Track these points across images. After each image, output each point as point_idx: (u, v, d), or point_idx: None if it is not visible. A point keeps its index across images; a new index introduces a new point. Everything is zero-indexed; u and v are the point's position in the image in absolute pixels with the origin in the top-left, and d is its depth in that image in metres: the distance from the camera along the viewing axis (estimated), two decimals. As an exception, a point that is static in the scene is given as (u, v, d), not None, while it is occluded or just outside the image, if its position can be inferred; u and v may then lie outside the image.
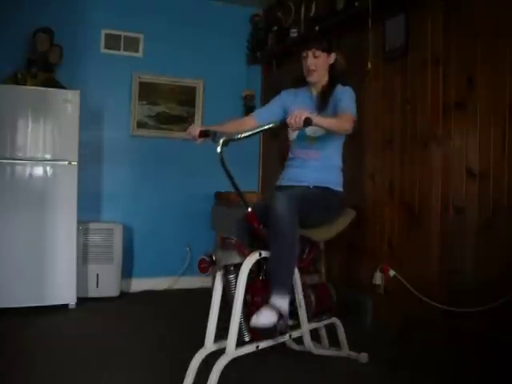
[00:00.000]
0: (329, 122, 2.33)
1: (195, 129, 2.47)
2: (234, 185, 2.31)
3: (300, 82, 2.72)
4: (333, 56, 2.63)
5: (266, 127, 2.31)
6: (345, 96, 2.50)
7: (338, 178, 2.62)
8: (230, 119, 2.71)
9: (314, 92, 2.66)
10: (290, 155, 2.70)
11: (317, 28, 3.76)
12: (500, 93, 2.58)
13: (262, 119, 2.62)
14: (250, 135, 2.31)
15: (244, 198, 2.33)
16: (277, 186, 2.68)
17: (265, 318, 2.14)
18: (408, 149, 3.19)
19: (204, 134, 2.43)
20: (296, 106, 2.57)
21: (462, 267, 2.78)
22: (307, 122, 2.13)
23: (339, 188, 2.61)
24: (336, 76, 2.63)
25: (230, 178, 2.28)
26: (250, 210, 2.33)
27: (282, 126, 2.24)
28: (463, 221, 2.79)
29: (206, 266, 2.16)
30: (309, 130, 2.50)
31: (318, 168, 2.55)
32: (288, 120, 2.16)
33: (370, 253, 3.46)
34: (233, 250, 2.22)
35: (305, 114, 2.14)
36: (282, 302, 2.21)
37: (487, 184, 2.65)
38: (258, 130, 2.33)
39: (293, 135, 2.64)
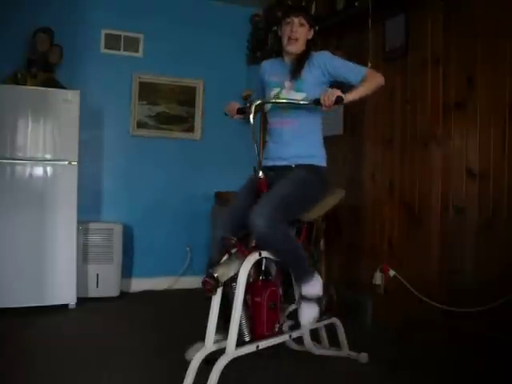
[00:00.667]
0: (362, 91, 2.34)
1: (233, 105, 2.55)
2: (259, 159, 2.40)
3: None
4: (312, 31, 2.52)
5: (300, 102, 2.36)
6: (336, 61, 2.46)
7: (321, 151, 2.52)
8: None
9: (288, 60, 2.54)
10: (268, 128, 2.60)
11: (317, 27, 3.75)
12: (500, 93, 2.58)
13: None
14: (282, 102, 2.41)
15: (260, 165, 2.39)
16: (262, 166, 2.52)
17: (309, 313, 2.29)
18: (408, 149, 3.19)
19: (240, 111, 2.51)
20: (272, 75, 2.57)
21: (462, 267, 2.78)
22: (339, 100, 2.19)
23: (323, 163, 2.51)
24: (311, 48, 2.52)
25: (258, 150, 2.38)
26: (261, 174, 2.36)
27: (316, 104, 2.27)
28: (463, 221, 2.79)
29: (211, 288, 2.11)
30: (287, 95, 2.45)
31: (297, 139, 2.45)
32: (321, 98, 2.21)
33: (369, 253, 3.46)
34: (231, 260, 2.18)
35: (336, 93, 2.17)
36: (311, 288, 2.32)
37: (487, 184, 2.65)
38: (292, 100, 2.39)
39: (267, 106, 2.54)
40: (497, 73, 2.61)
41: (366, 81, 2.37)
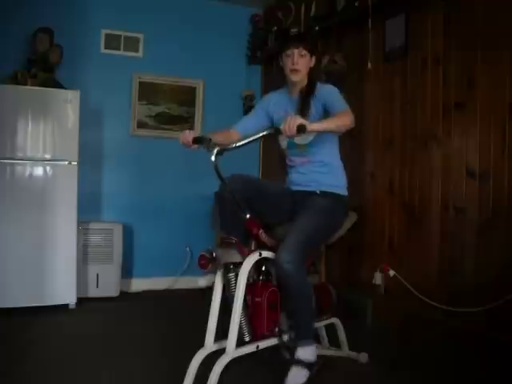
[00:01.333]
0: (326, 124, 2.23)
1: (188, 135, 2.36)
2: (229, 189, 2.28)
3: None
4: (313, 59, 2.53)
5: (259, 135, 2.22)
6: (332, 96, 2.42)
7: (343, 181, 2.55)
8: (218, 129, 2.61)
9: (294, 94, 2.55)
10: (288, 162, 2.64)
11: (316, 28, 3.77)
12: (500, 93, 2.58)
13: (244, 128, 2.56)
14: (243, 144, 2.24)
15: (241, 204, 2.29)
16: (286, 187, 2.61)
17: (296, 378, 2.21)
18: (408, 149, 3.19)
19: (197, 140, 2.32)
20: (277, 110, 2.56)
21: (461, 267, 2.78)
22: (300, 128, 2.04)
23: (345, 192, 2.54)
24: (314, 79, 2.54)
25: (224, 182, 2.26)
26: (248, 216, 2.29)
27: (276, 133, 2.16)
28: (463, 221, 2.79)
29: (206, 262, 2.15)
30: (297, 139, 2.43)
31: (320, 171, 2.49)
32: (282, 127, 2.09)
33: (370, 253, 3.46)
34: (233, 248, 2.21)
35: (298, 121, 2.05)
36: (307, 352, 2.25)
37: (487, 184, 2.65)
38: (251, 138, 2.24)
39: (283, 144, 2.58)
40: (497, 73, 2.60)
41: (335, 117, 2.29)
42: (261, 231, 2.30)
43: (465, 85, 2.78)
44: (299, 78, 2.49)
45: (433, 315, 2.88)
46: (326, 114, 2.39)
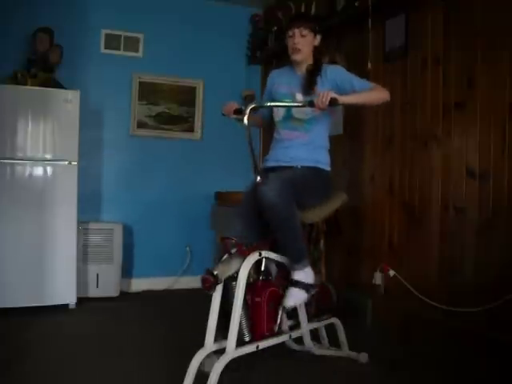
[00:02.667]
0: (359, 97, 2.35)
1: (231, 106, 2.52)
2: (254, 160, 2.34)
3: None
4: (318, 38, 2.57)
5: (292, 104, 2.41)
6: (345, 75, 2.49)
7: (326, 158, 2.58)
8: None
9: (299, 72, 2.59)
10: (276, 136, 2.65)
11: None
12: (500, 93, 2.58)
13: (264, 114, 2.74)
14: (276, 105, 2.48)
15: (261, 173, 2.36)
16: (263, 168, 2.60)
17: (293, 299, 2.26)
18: (408, 149, 3.19)
19: (238, 111, 2.49)
20: (282, 85, 2.60)
21: (461, 267, 2.78)
22: (333, 101, 2.18)
23: (327, 167, 2.56)
24: (320, 58, 2.58)
25: (252, 151, 2.33)
26: (259, 179, 2.32)
27: (310, 106, 2.27)
28: (463, 221, 2.79)
29: (211, 285, 2.12)
30: (297, 113, 2.48)
31: (305, 148, 2.51)
32: (315, 100, 2.21)
33: (369, 253, 3.46)
34: (231, 258, 2.19)
35: (331, 94, 2.17)
36: (303, 273, 2.30)
37: (487, 184, 2.65)
38: (286, 104, 2.44)
39: (279, 116, 2.59)
40: (497, 73, 2.60)
41: (367, 90, 2.39)
42: None
43: (465, 85, 2.78)
44: (300, 58, 2.54)
45: (433, 315, 2.88)
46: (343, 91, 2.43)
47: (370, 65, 3.35)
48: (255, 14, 4.82)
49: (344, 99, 2.28)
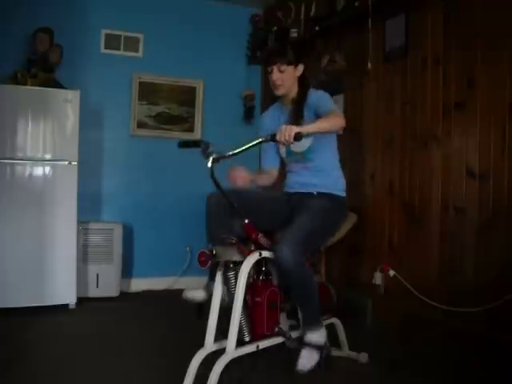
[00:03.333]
0: (319, 125, 2.24)
1: (240, 172, 2.46)
2: (226, 196, 2.26)
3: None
4: (300, 68, 2.51)
5: (254, 142, 2.22)
6: (322, 100, 2.43)
7: (340, 183, 2.57)
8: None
9: (286, 106, 2.57)
10: (286, 168, 2.67)
11: (317, 28, 3.76)
12: (500, 93, 2.58)
13: (273, 162, 2.68)
14: (239, 152, 2.23)
15: (239, 211, 2.28)
16: (284, 192, 2.63)
17: (308, 361, 2.23)
18: (408, 149, 3.19)
19: (187, 143, 2.48)
20: (273, 124, 2.52)
21: (461, 267, 2.78)
22: (297, 136, 2.06)
23: (342, 193, 2.56)
24: (306, 86, 2.54)
25: (221, 190, 2.24)
26: (246, 221, 2.28)
27: (272, 140, 2.17)
28: (463, 221, 2.79)
29: (206, 259, 2.15)
30: (294, 147, 2.43)
31: (317, 175, 2.51)
32: (277, 138, 2.11)
33: (370, 253, 3.46)
34: (233, 248, 2.21)
35: (293, 130, 2.07)
36: (316, 336, 2.28)
37: (487, 184, 2.65)
38: (246, 146, 2.23)
39: (282, 152, 2.60)
40: (497, 73, 2.60)
41: (327, 118, 2.29)
42: (260, 235, 2.29)
43: (465, 85, 2.78)
44: (282, 92, 2.52)
45: (433, 315, 2.88)
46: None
47: (369, 65, 3.35)
48: (255, 14, 4.82)
49: (306, 129, 2.17)
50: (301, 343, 2.29)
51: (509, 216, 2.53)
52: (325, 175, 2.52)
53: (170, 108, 4.65)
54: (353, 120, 3.65)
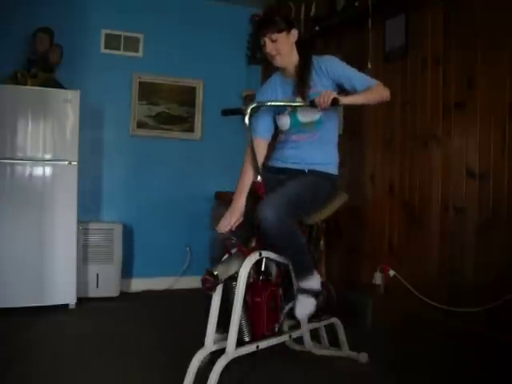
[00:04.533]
0: (361, 98, 2.30)
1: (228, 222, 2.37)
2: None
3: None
4: (294, 33, 2.41)
5: (294, 104, 2.38)
6: (342, 71, 2.38)
7: (335, 158, 2.52)
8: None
9: (288, 77, 2.49)
10: (282, 138, 2.58)
11: (317, 28, 3.76)
12: (500, 93, 2.58)
13: (267, 131, 2.55)
14: (280, 105, 2.43)
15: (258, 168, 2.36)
16: (268, 166, 2.57)
17: (305, 307, 2.26)
18: (408, 149, 3.19)
19: (238, 111, 2.46)
20: (275, 95, 2.51)
21: (461, 267, 2.78)
22: (335, 102, 2.17)
23: (335, 171, 2.51)
24: (307, 50, 2.48)
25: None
26: (259, 179, 2.32)
27: (312, 106, 2.25)
28: (463, 221, 2.79)
29: (212, 285, 2.10)
30: (303, 118, 2.42)
31: (313, 147, 2.46)
32: (317, 100, 2.19)
33: (370, 253, 3.46)
34: (232, 258, 2.18)
35: (333, 94, 2.16)
36: (311, 283, 2.29)
37: (487, 184, 2.65)
38: (284, 103, 2.42)
39: (285, 126, 2.50)
40: (497, 73, 2.60)
41: (369, 90, 2.32)
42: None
43: (465, 85, 2.78)
44: (281, 62, 2.44)
45: (433, 315, 2.88)
46: (341, 87, 2.40)
47: (369, 65, 3.35)
48: (255, 14, 4.82)
49: (345, 100, 2.24)
50: (297, 292, 2.30)
51: (509, 216, 2.53)
52: (326, 149, 2.49)
53: (170, 108, 4.65)
54: (353, 120, 3.66)
